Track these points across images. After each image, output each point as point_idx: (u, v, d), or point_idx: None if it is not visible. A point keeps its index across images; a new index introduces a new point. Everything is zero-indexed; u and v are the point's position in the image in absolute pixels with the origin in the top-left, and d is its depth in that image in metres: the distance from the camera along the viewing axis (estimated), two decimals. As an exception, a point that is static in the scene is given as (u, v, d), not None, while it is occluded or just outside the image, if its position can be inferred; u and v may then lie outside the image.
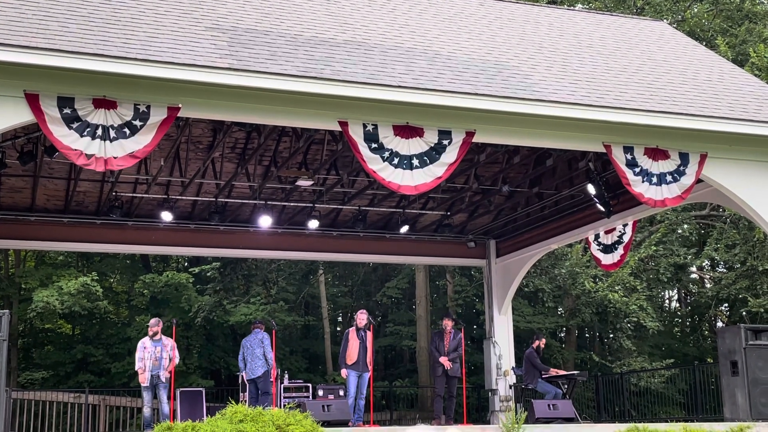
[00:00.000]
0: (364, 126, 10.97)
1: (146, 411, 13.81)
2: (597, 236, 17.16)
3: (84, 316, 25.85)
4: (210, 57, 10.42)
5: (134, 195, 15.94)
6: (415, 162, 11.08)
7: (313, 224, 17.01)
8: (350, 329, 14.02)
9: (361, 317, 13.98)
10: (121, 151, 9.98)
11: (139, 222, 17.09)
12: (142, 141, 10.09)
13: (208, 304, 25.58)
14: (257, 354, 14.31)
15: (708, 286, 28.40)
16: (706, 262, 27.94)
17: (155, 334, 13.79)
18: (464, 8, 15.78)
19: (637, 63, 14.33)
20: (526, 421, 11.07)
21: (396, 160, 11.00)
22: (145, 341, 13.87)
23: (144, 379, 13.62)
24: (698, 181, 12.56)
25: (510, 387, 18.02)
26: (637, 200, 12.86)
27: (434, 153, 11.19)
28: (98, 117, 9.91)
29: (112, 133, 9.93)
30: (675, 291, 32.05)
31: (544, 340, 16.44)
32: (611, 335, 27.84)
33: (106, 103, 9.97)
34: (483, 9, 16.06)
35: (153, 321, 14.11)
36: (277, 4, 13.34)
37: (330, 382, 24.43)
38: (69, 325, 27.70)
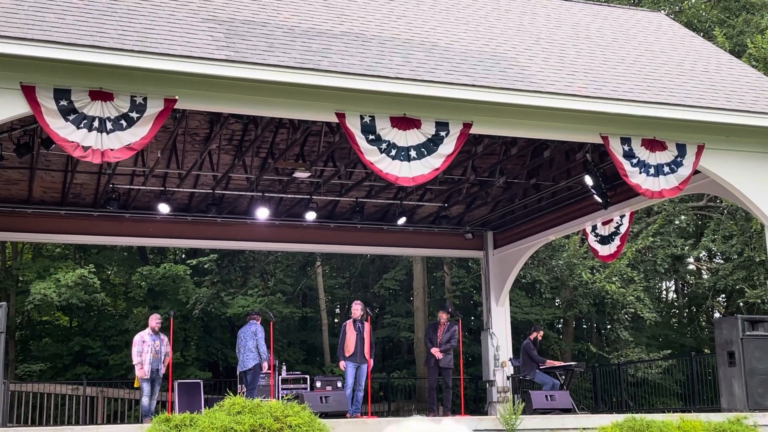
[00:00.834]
0: (362, 117, 10.96)
1: (144, 401, 13.88)
2: (594, 227, 17.17)
3: (81, 309, 25.84)
4: (207, 48, 10.39)
5: (131, 187, 15.92)
6: (413, 153, 11.08)
7: (311, 216, 17.00)
8: (347, 321, 14.04)
9: (356, 308, 13.99)
10: (118, 143, 9.97)
11: (137, 214, 17.07)
12: (138, 133, 10.07)
13: (206, 296, 25.58)
14: (249, 346, 14.22)
15: (705, 277, 28.44)
16: (704, 253, 27.96)
17: (157, 328, 13.97)
18: (461, -1, 15.75)
19: (635, 54, 14.32)
20: (524, 412, 11.09)
21: (393, 152, 11.00)
22: (144, 335, 13.94)
23: (145, 373, 13.70)
24: (695, 172, 12.57)
25: (507, 378, 18.04)
26: (635, 191, 12.86)
27: (432, 144, 11.19)
28: (95, 109, 9.89)
29: (109, 125, 9.92)
30: (672, 282, 32.09)
31: (542, 332, 16.47)
32: (608, 326, 27.86)
33: (103, 94, 9.95)
34: (480, 0, 16.03)
35: (157, 315, 14.28)
36: (273, -5, 13.30)
37: (328, 373, 24.46)
38: (66, 317, 27.71)
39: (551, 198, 17.15)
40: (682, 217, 25.26)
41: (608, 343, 27.61)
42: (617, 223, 16.83)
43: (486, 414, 17.75)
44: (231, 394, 9.31)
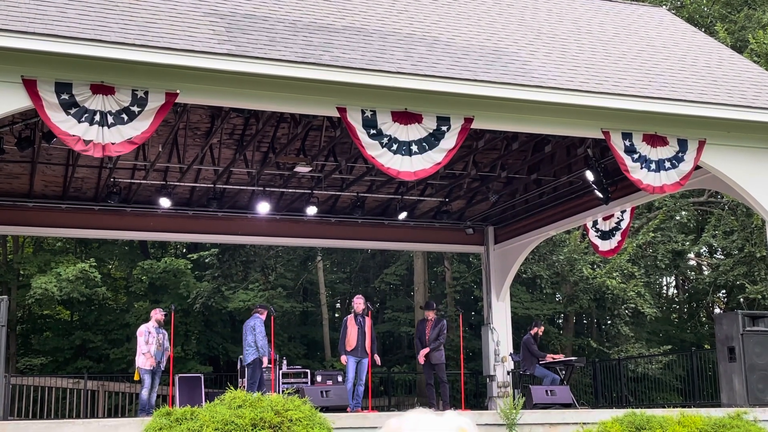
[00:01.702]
0: (363, 112, 10.95)
1: (144, 393, 13.93)
2: (595, 223, 17.17)
3: (82, 303, 25.87)
4: (208, 43, 10.39)
5: (132, 181, 15.92)
6: (414, 148, 11.07)
7: (312, 211, 17.00)
8: (348, 316, 14.06)
9: (358, 302, 14.00)
10: (119, 137, 9.96)
11: (138, 208, 17.08)
12: (140, 127, 10.06)
13: (207, 290, 25.60)
14: (249, 341, 14.20)
15: (706, 272, 28.46)
16: (704, 248, 27.97)
17: (162, 321, 14.09)
18: (463, -6, 15.72)
19: (636, 49, 14.30)
20: (524, 407, 11.11)
21: (395, 147, 10.99)
22: (149, 327, 14.04)
23: (153, 362, 13.79)
24: (697, 167, 12.56)
25: (508, 373, 18.06)
26: (636, 187, 12.86)
27: (433, 139, 11.18)
28: (96, 103, 9.89)
29: (110, 119, 9.91)
30: (673, 277, 32.08)
31: (542, 327, 16.49)
32: (609, 321, 27.89)
33: (104, 88, 9.94)
34: (482, -5, 16.00)
35: (159, 310, 14.39)
36: (275, -11, 13.28)
37: (328, 368, 24.48)
38: (67, 311, 27.73)
39: (552, 193, 17.14)
40: (683, 212, 25.24)
41: (608, 339, 27.62)
42: (618, 218, 16.83)
43: (486, 409, 17.77)
44: (232, 388, 9.32)
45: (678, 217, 25.30)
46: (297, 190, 16.89)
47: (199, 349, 26.53)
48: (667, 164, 12.22)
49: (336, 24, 12.17)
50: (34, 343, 26.71)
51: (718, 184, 13.57)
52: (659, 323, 28.77)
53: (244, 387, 13.85)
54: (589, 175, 14.61)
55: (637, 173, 12.09)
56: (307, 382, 15.82)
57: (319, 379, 15.58)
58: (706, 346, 27.02)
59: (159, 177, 15.94)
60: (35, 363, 25.55)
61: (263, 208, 16.57)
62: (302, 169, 15.25)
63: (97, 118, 9.86)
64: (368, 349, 13.74)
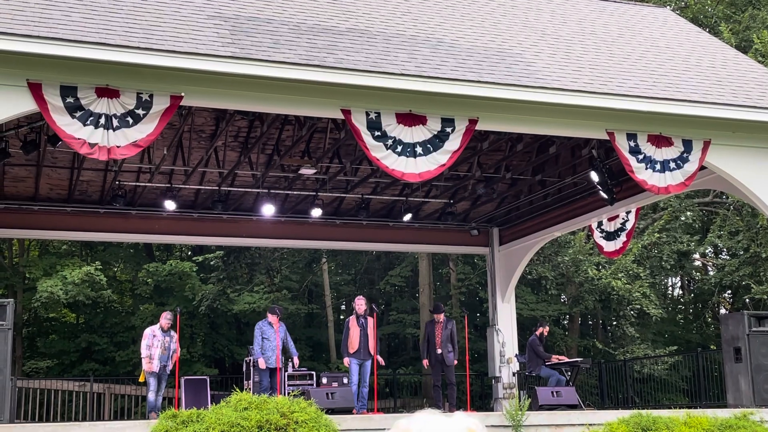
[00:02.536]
0: (367, 114, 10.96)
1: (151, 396, 13.92)
2: (600, 223, 17.15)
3: (88, 305, 25.92)
4: (212, 45, 10.40)
5: (137, 184, 15.95)
6: (419, 150, 11.07)
7: (316, 213, 17.01)
8: (350, 317, 13.99)
9: (360, 303, 13.93)
10: (124, 140, 9.98)
11: (143, 211, 17.11)
12: (145, 130, 10.08)
13: (212, 292, 25.63)
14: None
15: (711, 273, 28.40)
16: (710, 249, 27.92)
17: (169, 327, 14.03)
18: (467, -5, 15.73)
19: (641, 50, 14.29)
20: (530, 408, 11.10)
21: (399, 148, 10.99)
22: (155, 330, 14.03)
23: (153, 367, 13.78)
24: (701, 167, 12.54)
25: (513, 374, 18.05)
26: (641, 187, 12.84)
27: (437, 141, 11.18)
28: (101, 106, 9.91)
29: (115, 122, 9.93)
30: (678, 278, 32.05)
31: (547, 328, 16.47)
32: (614, 322, 27.86)
33: (109, 92, 9.96)
34: (486, -4, 16.00)
35: (169, 314, 14.30)
36: (279, -8, 13.30)
37: (334, 369, 24.49)
38: (73, 314, 27.78)
39: (557, 194, 17.13)
40: (688, 213, 25.20)
41: (614, 340, 27.59)
42: (623, 219, 16.80)
43: (492, 410, 17.76)
44: (237, 390, 9.33)
45: (683, 218, 25.27)
46: (302, 192, 16.90)
47: (204, 352, 26.56)
48: (672, 165, 12.21)
49: (340, 26, 12.18)
50: (40, 346, 26.75)
51: (724, 185, 13.55)
52: (665, 324, 28.73)
53: (249, 389, 13.85)
54: (594, 176, 14.59)
55: (642, 174, 12.08)
56: (312, 384, 15.80)
57: (324, 381, 15.55)
58: (712, 346, 26.97)
59: (164, 180, 15.97)
60: (41, 366, 25.59)
61: (268, 210, 16.58)
62: (307, 171, 15.26)
63: (102, 121, 9.88)
64: (372, 351, 13.70)
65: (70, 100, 9.80)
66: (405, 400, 24.95)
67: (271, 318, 14.20)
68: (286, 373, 15.80)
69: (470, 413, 11.89)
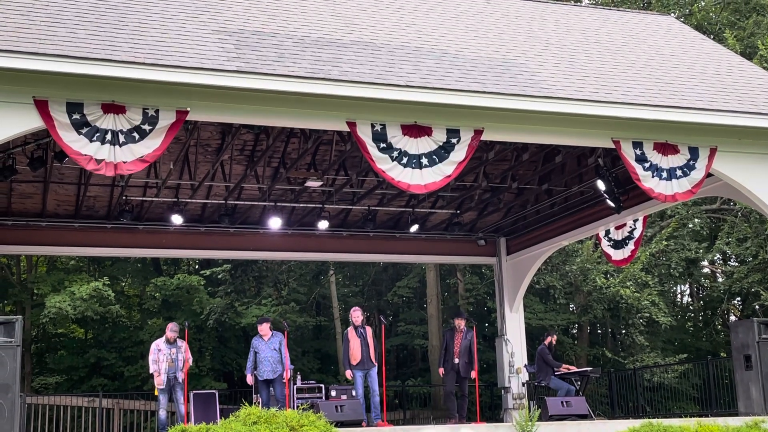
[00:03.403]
0: (373, 126, 10.97)
1: (161, 413, 13.75)
2: (607, 232, 17.12)
3: (96, 321, 25.94)
4: (218, 60, 10.44)
5: (144, 199, 15.99)
6: (424, 161, 11.08)
7: (323, 225, 17.01)
8: (349, 328, 13.83)
9: (357, 315, 13.81)
10: (131, 155, 10.02)
11: (150, 225, 17.14)
12: (151, 145, 10.12)
13: (220, 306, 25.63)
14: None
15: (720, 280, 28.30)
16: (718, 256, 27.82)
17: (174, 339, 13.81)
18: (471, 6, 15.77)
19: (645, 58, 14.29)
20: (540, 419, 11.06)
21: (405, 160, 11.00)
22: (160, 343, 13.85)
23: (161, 382, 13.60)
24: (708, 175, 12.51)
25: (523, 384, 17.99)
26: (648, 195, 12.82)
27: (443, 152, 11.19)
28: (107, 122, 9.95)
29: (122, 138, 9.97)
30: (687, 286, 31.94)
31: (555, 337, 16.41)
32: (623, 331, 27.75)
33: (115, 107, 10.00)
34: (489, 7, 16.04)
35: (174, 326, 14.05)
36: (283, 6, 13.36)
37: (342, 382, 24.43)
38: (82, 329, 27.81)
39: (563, 203, 17.11)
40: (696, 220, 25.14)
41: (623, 348, 27.48)
42: (630, 227, 16.77)
43: (502, 421, 17.70)
44: (246, 404, 9.33)
45: (691, 225, 25.19)
46: (308, 205, 16.92)
47: (213, 366, 26.53)
48: (679, 172, 12.19)
49: (344, 39, 12.22)
50: (48, 362, 26.77)
51: (731, 192, 13.52)
52: (674, 332, 28.62)
53: (258, 403, 13.80)
54: (601, 185, 14.58)
55: (649, 182, 12.06)
56: (321, 397, 15.77)
57: (333, 393, 15.51)
58: (722, 354, 26.86)
59: (171, 194, 16.00)
60: (50, 382, 25.60)
61: (275, 223, 16.60)
62: (313, 183, 15.28)
63: (109, 137, 9.92)
64: (374, 359, 13.58)
65: (76, 116, 9.85)
66: (414, 411, 24.88)
67: (261, 329, 13.91)
68: (295, 386, 15.77)
69: (478, 426, 11.87)
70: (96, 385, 24.64)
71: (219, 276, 26.20)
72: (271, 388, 13.82)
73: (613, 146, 12.13)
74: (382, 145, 10.96)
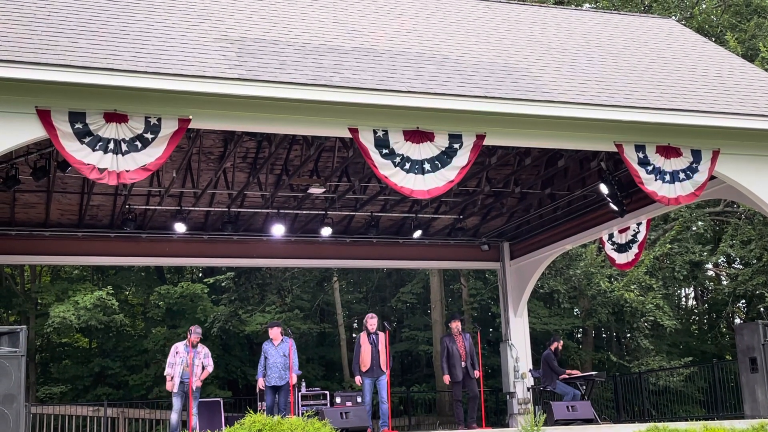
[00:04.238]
0: (375, 132, 10.98)
1: (174, 417, 13.30)
2: (611, 236, 17.10)
3: (101, 330, 25.94)
4: (219, 68, 10.45)
5: (147, 207, 15.99)
6: (427, 166, 11.08)
7: (326, 231, 17.01)
8: (361, 334, 13.73)
9: (372, 321, 13.72)
10: (134, 164, 10.03)
11: (153, 234, 17.14)
12: (153, 153, 10.13)
13: (224, 314, 25.62)
14: None
15: (724, 282, 28.25)
16: (722, 258, 27.77)
17: (196, 343, 13.34)
18: (471, 11, 15.78)
19: (647, 61, 14.28)
20: (545, 424, 11.02)
21: (407, 165, 11.01)
22: (179, 346, 13.40)
23: (172, 386, 13.15)
24: (711, 177, 12.50)
25: (528, 389, 17.95)
26: (651, 199, 12.81)
27: (445, 157, 11.19)
28: (110, 131, 9.96)
29: (124, 147, 9.98)
30: (691, 289, 31.87)
31: (561, 342, 16.36)
32: (628, 335, 27.69)
33: (117, 116, 10.01)
34: (490, 12, 16.05)
35: (198, 328, 13.60)
36: (285, 13, 13.38)
37: (347, 389, 24.41)
38: (86, 338, 27.81)
39: (567, 207, 17.10)
40: (700, 223, 25.10)
41: (628, 352, 27.43)
42: (634, 230, 16.75)
43: (507, 426, 17.65)
44: (251, 412, 9.31)
45: (695, 228, 25.16)
46: (311, 212, 16.92)
47: (217, 374, 26.50)
48: (682, 175, 12.18)
49: (345, 45, 12.23)
50: (53, 372, 26.78)
51: (734, 194, 13.50)
52: (679, 335, 28.56)
53: (263, 411, 13.76)
54: (604, 189, 14.56)
55: (652, 185, 12.05)
56: (326, 404, 15.75)
57: (338, 400, 15.49)
58: (727, 357, 26.80)
59: (174, 202, 16.01)
60: (55, 391, 25.60)
61: (278, 230, 16.60)
62: (316, 190, 15.28)
63: (111, 146, 9.93)
64: (383, 367, 13.47)
65: (78, 125, 9.86)
66: (420, 417, 24.84)
67: (272, 333, 13.82)
68: (300, 393, 15.74)
69: (484, 430, 11.82)
70: (101, 395, 24.63)
71: (223, 284, 26.20)
72: (277, 395, 13.76)
73: (615, 150, 12.12)
74: (385, 151, 10.97)
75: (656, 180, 12.06)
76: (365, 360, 13.38)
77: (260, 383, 13.71)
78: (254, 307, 26.36)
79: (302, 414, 10.73)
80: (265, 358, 13.72)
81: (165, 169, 14.55)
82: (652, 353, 25.32)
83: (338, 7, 14.29)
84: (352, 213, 17.19)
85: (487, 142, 11.54)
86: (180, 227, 16.11)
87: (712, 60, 15.04)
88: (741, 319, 29.77)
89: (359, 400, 14.80)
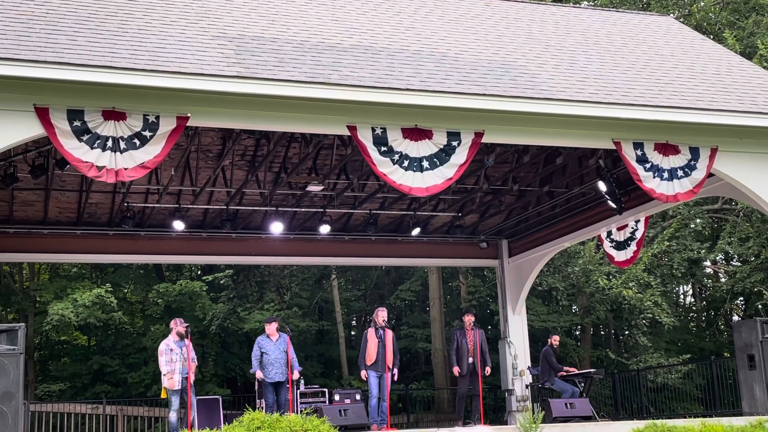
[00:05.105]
0: (373, 130, 10.99)
1: (173, 416, 12.99)
2: (609, 233, 17.11)
3: (99, 328, 25.95)
4: (218, 66, 10.45)
5: (146, 205, 15.99)
6: (425, 164, 11.09)
7: (325, 229, 17.02)
8: (369, 328, 13.58)
9: (381, 315, 13.62)
10: (132, 162, 10.03)
11: (152, 232, 17.14)
12: (152, 151, 10.13)
13: (222, 311, 25.63)
14: None
15: (722, 280, 28.28)
16: (720, 256, 27.80)
17: (183, 335, 12.97)
18: (470, 9, 15.79)
19: (645, 59, 14.29)
20: (544, 421, 11.05)
21: (406, 163, 11.02)
22: (170, 343, 13.01)
23: (175, 383, 12.81)
24: (710, 175, 12.52)
25: (526, 387, 17.98)
26: (649, 196, 12.82)
27: (444, 154, 11.20)
28: (108, 129, 9.96)
29: (122, 144, 9.98)
30: (689, 286, 31.91)
31: (557, 337, 16.38)
32: (626, 332, 27.75)
33: (116, 114, 10.01)
34: (489, 9, 16.06)
35: (182, 320, 13.24)
36: (283, 11, 13.38)
37: (346, 386, 24.43)
38: (85, 336, 27.81)
39: (565, 205, 17.11)
40: (698, 220, 25.12)
41: (627, 349, 27.46)
42: (632, 228, 16.76)
43: (506, 423, 17.68)
44: (250, 409, 9.32)
45: (693, 225, 25.18)
46: (310, 209, 16.92)
47: (216, 371, 26.53)
48: (680, 173, 12.19)
49: (344, 43, 12.23)
50: (52, 370, 26.78)
51: (732, 191, 13.52)
52: (677, 332, 28.60)
53: (262, 408, 13.76)
54: (602, 186, 14.58)
55: (650, 182, 12.06)
56: (325, 402, 15.74)
57: (337, 398, 15.48)
58: (725, 354, 26.83)
59: (172, 200, 16.01)
60: (54, 389, 25.60)
61: (276, 228, 16.61)
62: (314, 188, 15.28)
63: (110, 143, 9.93)
64: (389, 363, 13.41)
65: (77, 123, 9.86)
66: (418, 415, 24.85)
67: (269, 329, 13.67)
68: (298, 391, 15.73)
69: (483, 427, 11.86)
70: (99, 392, 24.63)
71: (221, 281, 26.21)
72: (276, 392, 13.73)
73: (613, 147, 12.13)
74: (383, 148, 10.98)
75: (654, 177, 12.08)
76: (371, 354, 13.27)
77: (259, 374, 13.54)
78: (253, 305, 26.36)
79: (301, 411, 10.74)
80: (262, 353, 13.60)
81: (163, 167, 14.54)
82: (650, 350, 25.36)
83: (336, 4, 14.30)
84: (350, 210, 17.19)
85: (485, 139, 11.55)
86: (178, 225, 16.11)
87: (710, 57, 15.06)
88: (739, 316, 29.82)
89: (358, 397, 14.78)
